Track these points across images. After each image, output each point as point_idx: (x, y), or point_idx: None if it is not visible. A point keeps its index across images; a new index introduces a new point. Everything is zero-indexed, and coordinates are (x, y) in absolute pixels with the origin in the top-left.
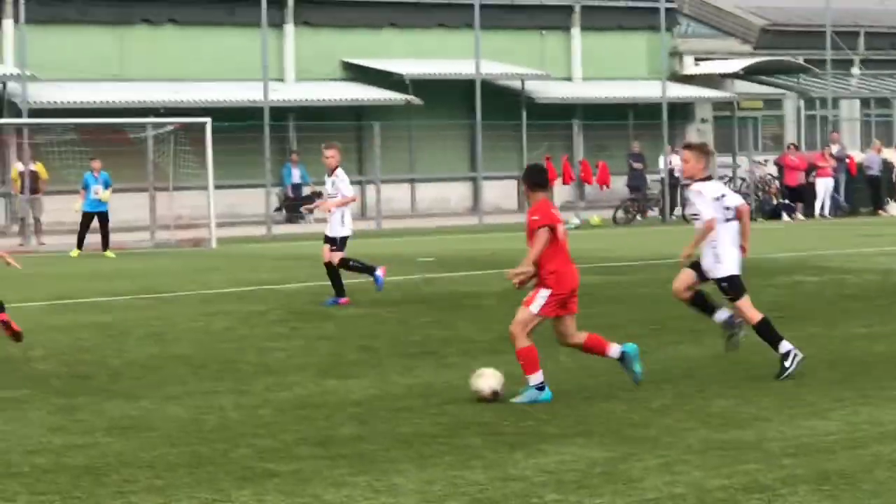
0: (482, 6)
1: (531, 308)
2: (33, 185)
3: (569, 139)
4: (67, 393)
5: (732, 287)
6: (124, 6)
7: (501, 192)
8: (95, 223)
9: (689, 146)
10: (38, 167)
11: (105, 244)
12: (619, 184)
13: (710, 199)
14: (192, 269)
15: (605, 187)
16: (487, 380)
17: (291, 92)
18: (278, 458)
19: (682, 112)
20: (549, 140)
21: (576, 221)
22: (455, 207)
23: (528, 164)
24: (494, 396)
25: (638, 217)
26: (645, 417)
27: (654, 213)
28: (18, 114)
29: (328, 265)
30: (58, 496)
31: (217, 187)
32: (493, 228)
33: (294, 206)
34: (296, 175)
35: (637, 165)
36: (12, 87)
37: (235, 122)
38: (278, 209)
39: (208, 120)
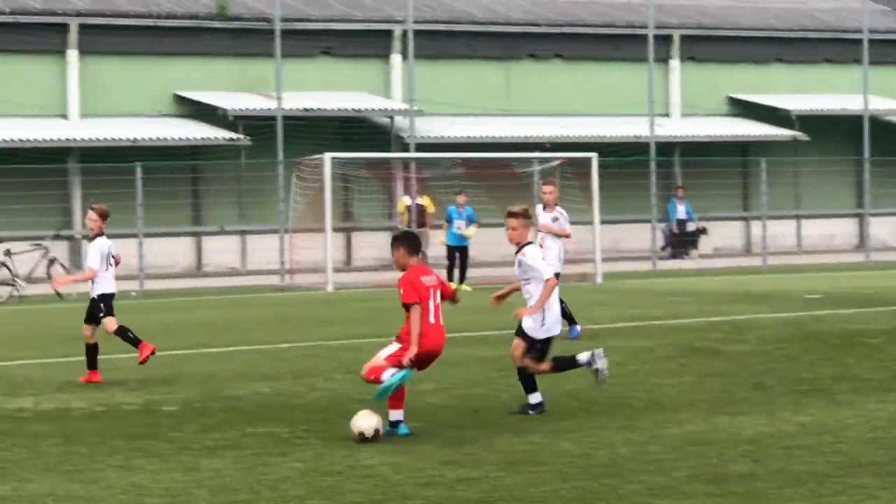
0: (870, 41)
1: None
2: (420, 218)
3: None
4: (458, 426)
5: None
6: (511, 41)
7: (889, 229)
8: None
9: (513, 214)
10: (424, 201)
11: (462, 277)
12: None
13: (541, 260)
14: (579, 304)
15: None
16: (367, 420)
17: (677, 127)
18: (669, 494)
19: None
20: None
21: None
22: (840, 244)
23: (402, 231)
24: (364, 437)
25: None
26: None
27: None
28: (405, 148)
29: None
30: None
31: (602, 222)
32: (882, 266)
33: (680, 241)
34: (681, 210)
35: None
36: (399, 121)
37: (621, 156)
38: (664, 248)
39: (594, 155)
